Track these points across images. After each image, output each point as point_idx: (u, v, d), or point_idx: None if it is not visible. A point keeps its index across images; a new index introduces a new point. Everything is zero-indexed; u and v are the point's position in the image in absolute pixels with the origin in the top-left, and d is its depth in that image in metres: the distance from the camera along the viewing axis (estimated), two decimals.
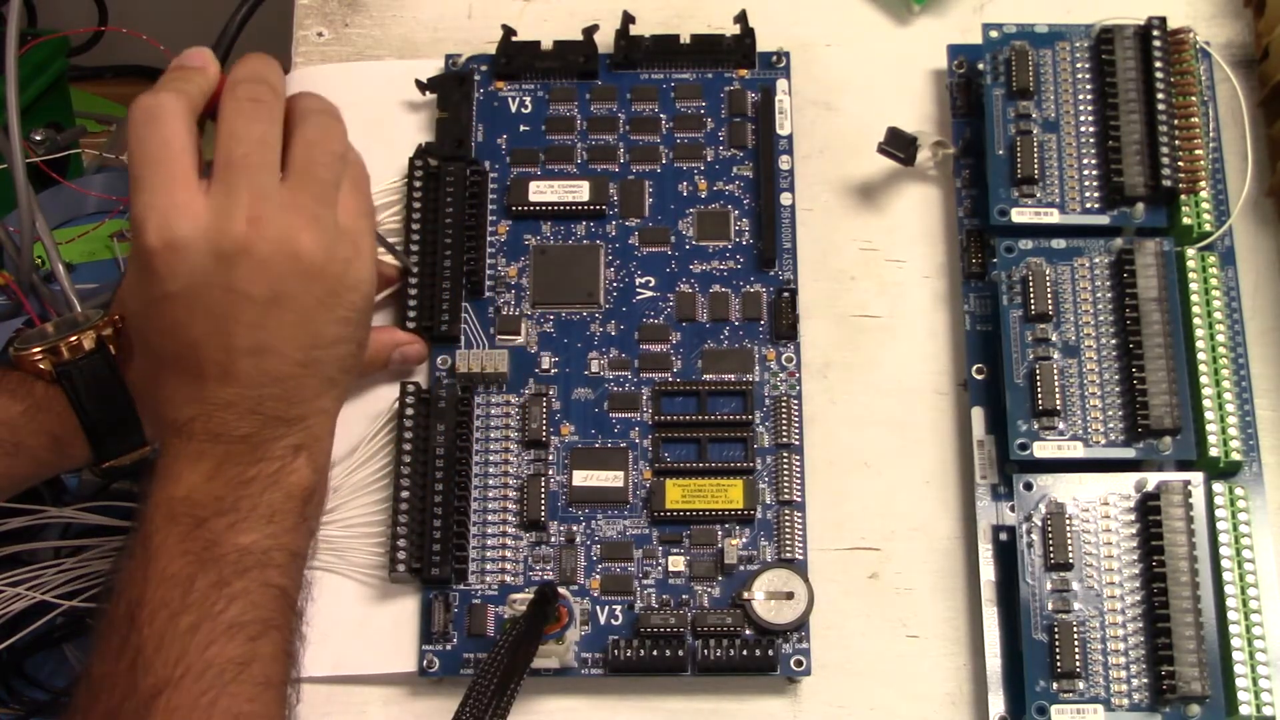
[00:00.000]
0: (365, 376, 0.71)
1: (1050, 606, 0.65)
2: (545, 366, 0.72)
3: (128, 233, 0.95)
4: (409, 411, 0.69)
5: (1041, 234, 0.71)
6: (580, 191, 0.74)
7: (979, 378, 0.71)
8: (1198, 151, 0.71)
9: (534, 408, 0.70)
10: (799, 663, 0.66)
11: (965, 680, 0.68)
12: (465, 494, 0.69)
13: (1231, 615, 0.64)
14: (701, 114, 0.76)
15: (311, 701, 0.66)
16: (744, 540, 0.68)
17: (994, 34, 0.74)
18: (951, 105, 0.76)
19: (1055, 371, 0.68)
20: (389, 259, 0.72)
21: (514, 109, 0.77)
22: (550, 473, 0.70)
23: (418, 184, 0.73)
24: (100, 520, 0.81)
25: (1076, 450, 0.67)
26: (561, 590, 0.65)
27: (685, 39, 0.77)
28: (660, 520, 0.69)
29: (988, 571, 0.68)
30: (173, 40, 1.11)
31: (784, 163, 0.75)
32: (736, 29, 0.77)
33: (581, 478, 0.69)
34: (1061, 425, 0.67)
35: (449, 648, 0.67)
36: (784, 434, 0.70)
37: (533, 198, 0.74)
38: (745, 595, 0.66)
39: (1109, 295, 0.69)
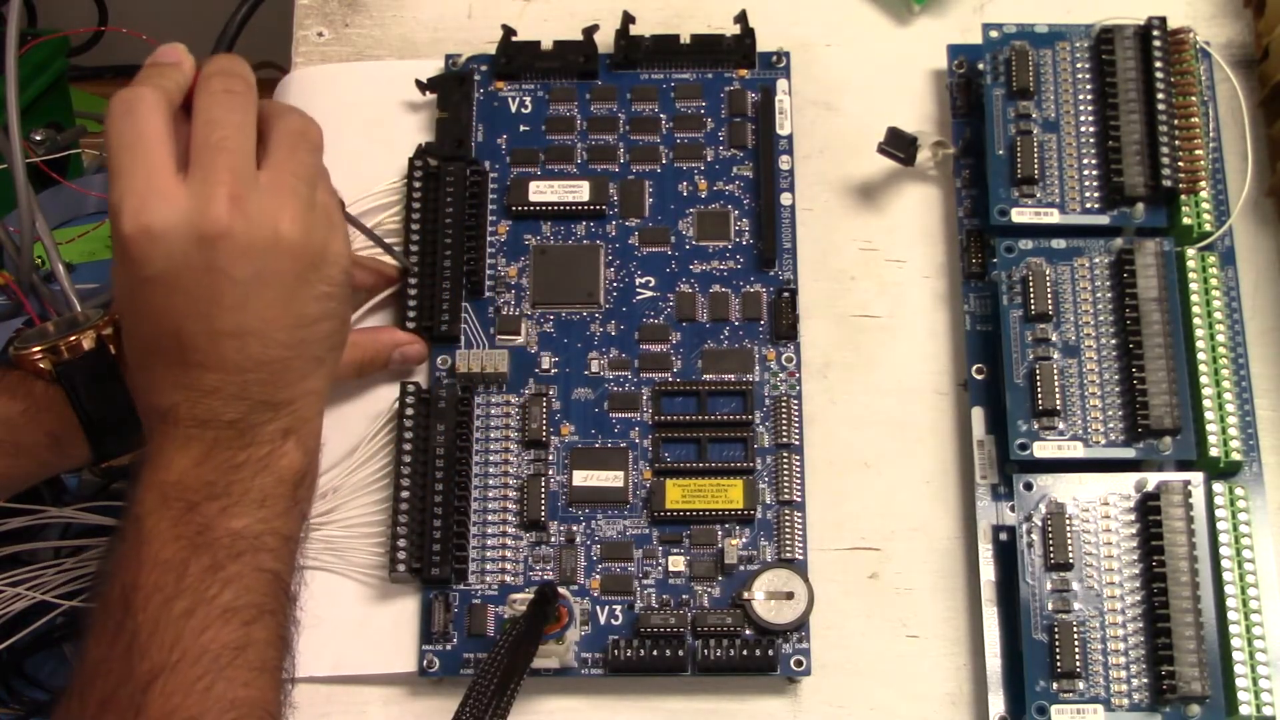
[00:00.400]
0: (365, 376, 0.71)
1: (1050, 606, 0.65)
2: (545, 366, 0.72)
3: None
4: (409, 411, 0.69)
5: (1041, 234, 0.71)
6: (580, 191, 0.74)
7: (979, 378, 0.71)
8: (1198, 151, 0.71)
9: (534, 408, 0.70)
10: (799, 663, 0.66)
11: (965, 680, 0.68)
12: (465, 494, 0.69)
13: (1231, 615, 0.64)
14: (701, 114, 0.76)
15: (311, 701, 0.67)
16: (744, 540, 0.68)
17: (994, 34, 0.74)
18: (951, 105, 0.76)
19: (1055, 371, 0.68)
20: (388, 259, 0.72)
21: (514, 109, 0.77)
22: (550, 473, 0.70)
23: (418, 184, 0.73)
24: (100, 520, 0.81)
25: (1076, 450, 0.67)
26: (561, 590, 0.65)
27: (685, 39, 0.77)
28: (660, 520, 0.69)
29: (988, 571, 0.68)
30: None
31: (784, 163, 0.75)
32: (736, 29, 0.77)
33: (581, 478, 0.69)
34: (1061, 425, 0.67)
35: (449, 648, 0.67)
36: (784, 434, 0.70)
37: (533, 198, 0.74)
38: (745, 595, 0.66)
39: (1109, 295, 0.69)
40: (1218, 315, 0.69)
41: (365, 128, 0.77)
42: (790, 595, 0.66)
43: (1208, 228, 0.71)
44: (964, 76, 0.76)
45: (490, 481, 0.70)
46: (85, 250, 0.95)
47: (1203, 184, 0.71)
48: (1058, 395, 0.67)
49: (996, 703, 0.66)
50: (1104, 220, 0.71)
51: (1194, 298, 0.69)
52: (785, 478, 0.69)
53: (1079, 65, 0.73)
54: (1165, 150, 0.70)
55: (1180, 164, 0.71)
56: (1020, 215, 0.71)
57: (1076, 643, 0.64)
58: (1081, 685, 0.64)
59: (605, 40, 0.77)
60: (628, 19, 0.77)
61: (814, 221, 0.75)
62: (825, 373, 0.73)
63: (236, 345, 0.57)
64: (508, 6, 0.81)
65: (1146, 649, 0.64)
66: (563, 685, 0.68)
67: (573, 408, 0.71)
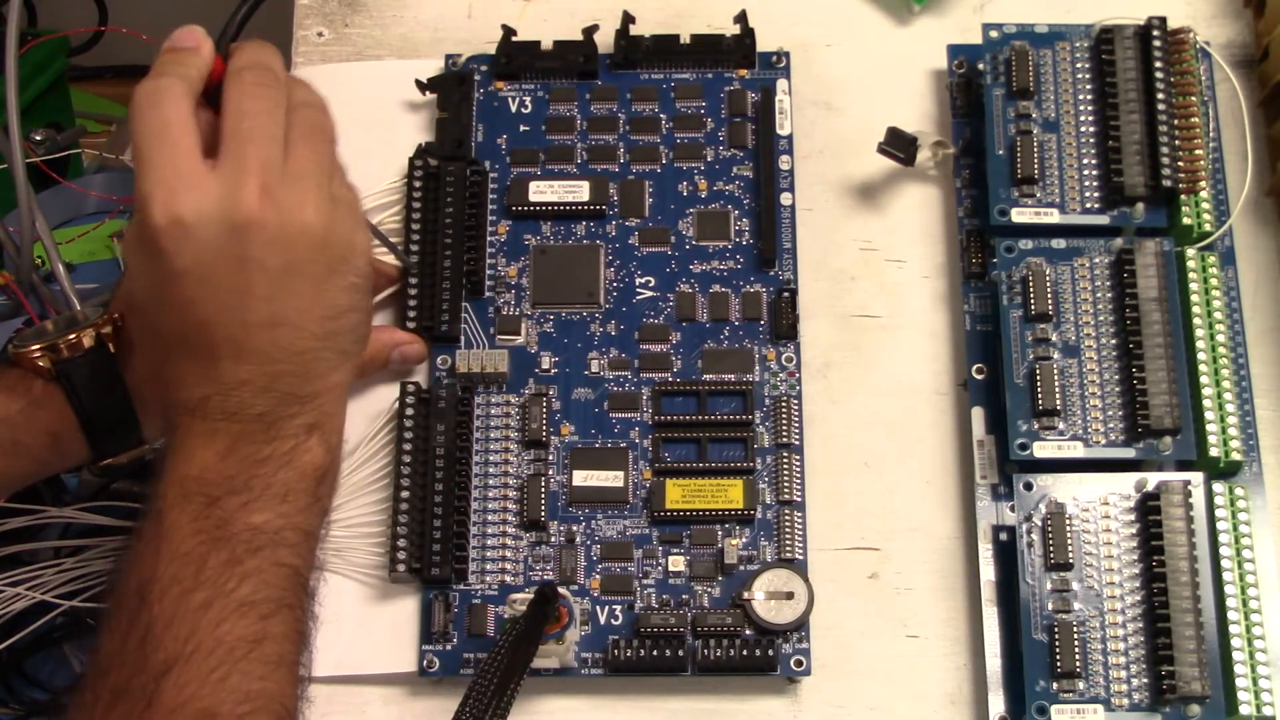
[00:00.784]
0: (365, 376, 0.71)
1: (1050, 606, 0.65)
2: (545, 366, 0.72)
3: (128, 231, 0.95)
4: (409, 411, 0.69)
5: (1041, 234, 0.71)
6: (580, 191, 0.74)
7: (979, 378, 0.71)
8: (1198, 151, 0.71)
9: (534, 408, 0.70)
10: (799, 663, 0.66)
11: (965, 680, 0.68)
12: (465, 494, 0.69)
13: (1231, 615, 0.64)
14: (701, 114, 0.76)
15: (312, 701, 0.66)
16: (744, 540, 0.68)
17: (994, 34, 0.74)
18: (951, 105, 0.76)
19: (1055, 371, 0.68)
20: (389, 258, 0.72)
21: (514, 109, 0.77)
22: (550, 473, 0.70)
23: (418, 184, 0.73)
24: (100, 520, 0.81)
25: (1076, 450, 0.67)
26: (561, 590, 0.65)
27: (685, 39, 0.77)
28: (660, 520, 0.69)
29: (988, 571, 0.68)
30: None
31: (784, 163, 0.75)
32: (736, 29, 0.77)
33: (581, 478, 0.69)
34: (1061, 425, 0.67)
35: (449, 648, 0.67)
36: (784, 434, 0.70)
37: (533, 198, 0.74)
38: (745, 595, 0.66)
39: (1109, 295, 0.69)
40: (1218, 315, 0.69)
41: (365, 128, 0.77)
42: (790, 595, 0.66)
43: (1208, 228, 0.71)
44: (964, 76, 0.76)
45: (490, 481, 0.70)
46: (85, 250, 0.95)
47: (1203, 184, 0.71)
48: (1058, 395, 0.67)
49: (996, 703, 0.66)
50: (1104, 220, 0.71)
51: (1194, 298, 0.69)
52: (785, 478, 0.69)
53: (1079, 65, 0.73)
54: (1165, 150, 0.70)
55: (1180, 164, 0.71)
56: (1020, 215, 0.71)
57: (1076, 643, 0.64)
58: (1081, 685, 0.64)
59: (605, 40, 0.77)
60: (628, 19, 0.77)
61: (814, 221, 0.75)
62: (825, 373, 0.73)
63: (269, 336, 0.57)
64: (508, 6, 0.81)
65: (1146, 649, 0.64)
66: (563, 685, 0.68)
67: (573, 408, 0.71)
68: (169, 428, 0.58)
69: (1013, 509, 0.67)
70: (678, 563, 0.68)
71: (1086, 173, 0.72)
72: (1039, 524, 0.66)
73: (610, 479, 0.69)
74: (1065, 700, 0.64)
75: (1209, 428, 0.67)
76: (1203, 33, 0.76)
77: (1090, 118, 0.72)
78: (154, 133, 0.56)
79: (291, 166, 0.57)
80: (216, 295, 0.56)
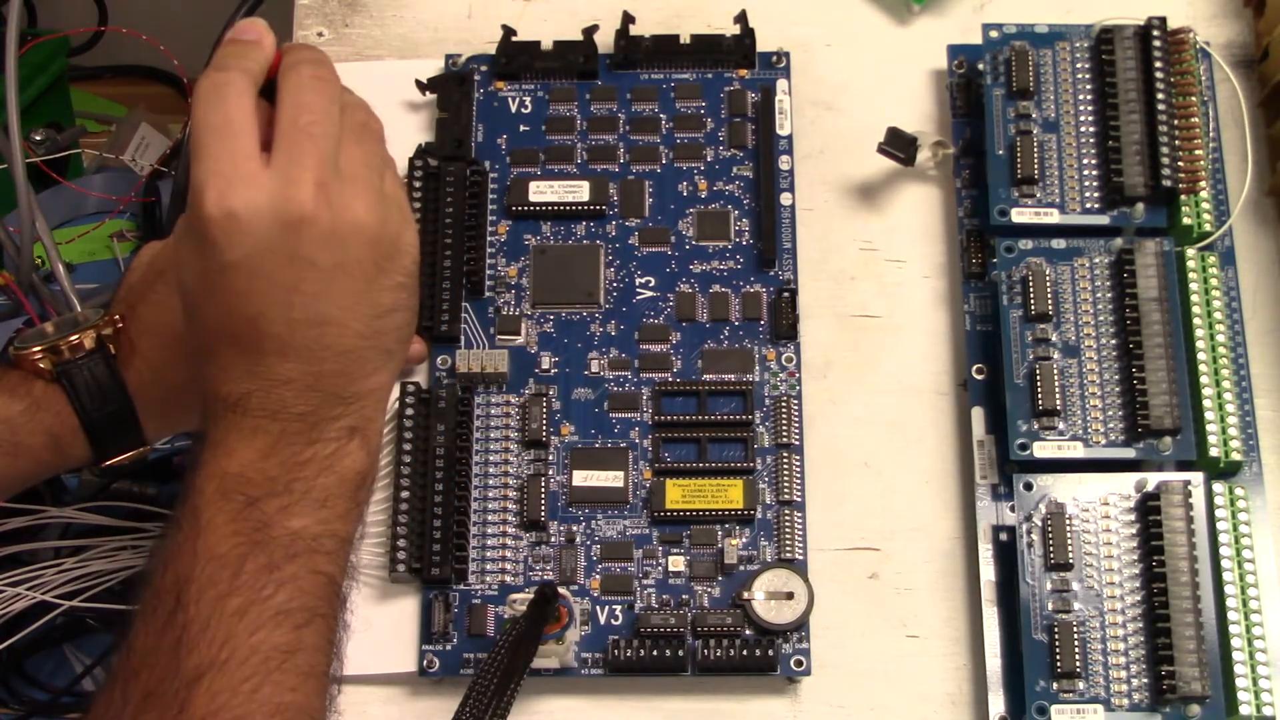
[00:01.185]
0: None
1: (1050, 606, 0.65)
2: (545, 366, 0.72)
3: (128, 232, 0.95)
4: (409, 411, 0.69)
5: (1041, 234, 0.71)
6: (580, 191, 0.74)
7: (979, 378, 0.71)
8: (1198, 151, 0.71)
9: (534, 408, 0.70)
10: (799, 663, 0.66)
11: (965, 680, 0.68)
12: (465, 494, 0.69)
13: (1231, 615, 0.64)
14: (701, 114, 0.76)
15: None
16: (744, 540, 0.68)
17: (994, 34, 0.74)
18: (951, 105, 0.76)
19: (1055, 371, 0.68)
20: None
21: (514, 109, 0.77)
22: (550, 473, 0.70)
23: (418, 184, 0.73)
24: (100, 520, 0.81)
25: (1076, 450, 0.67)
26: (561, 590, 0.65)
27: (685, 39, 0.77)
28: (660, 520, 0.69)
29: (988, 571, 0.68)
30: (173, 40, 1.12)
31: (784, 163, 0.75)
32: (736, 29, 0.77)
33: (581, 478, 0.69)
34: (1061, 425, 0.67)
35: (449, 648, 0.67)
36: (784, 434, 0.70)
37: (533, 198, 0.74)
38: (745, 595, 0.66)
39: (1109, 295, 0.69)
40: (1218, 315, 0.69)
41: None
42: (790, 595, 0.66)
43: (1208, 228, 0.71)
44: (964, 76, 0.76)
45: (490, 481, 0.70)
46: (85, 250, 0.95)
47: (1203, 184, 0.71)
48: (1058, 395, 0.67)
49: (996, 703, 0.66)
50: (1104, 220, 0.71)
51: (1194, 298, 0.69)
52: (785, 478, 0.69)
53: (1079, 65, 0.73)
54: (1165, 150, 0.70)
55: (1180, 164, 0.71)
56: (1020, 215, 0.71)
57: (1076, 643, 0.64)
58: (1081, 685, 0.64)
59: (605, 40, 0.77)
60: (628, 19, 0.77)
61: (814, 221, 0.75)
62: (825, 373, 0.73)
63: (315, 334, 0.57)
64: (508, 6, 0.81)
65: (1146, 649, 0.64)
66: (563, 685, 0.68)
67: (573, 408, 0.71)
68: (207, 421, 0.58)
69: (1013, 509, 0.67)
70: (678, 563, 0.68)
71: (1086, 173, 0.72)
72: (1039, 524, 0.66)
73: (610, 479, 0.69)
74: (1065, 700, 0.64)
75: (1209, 428, 0.67)
76: (1203, 33, 0.76)
77: (1090, 118, 0.72)
78: (215, 126, 0.56)
79: (345, 164, 0.57)
80: (265, 290, 0.56)
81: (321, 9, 0.82)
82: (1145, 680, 0.64)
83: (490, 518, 0.69)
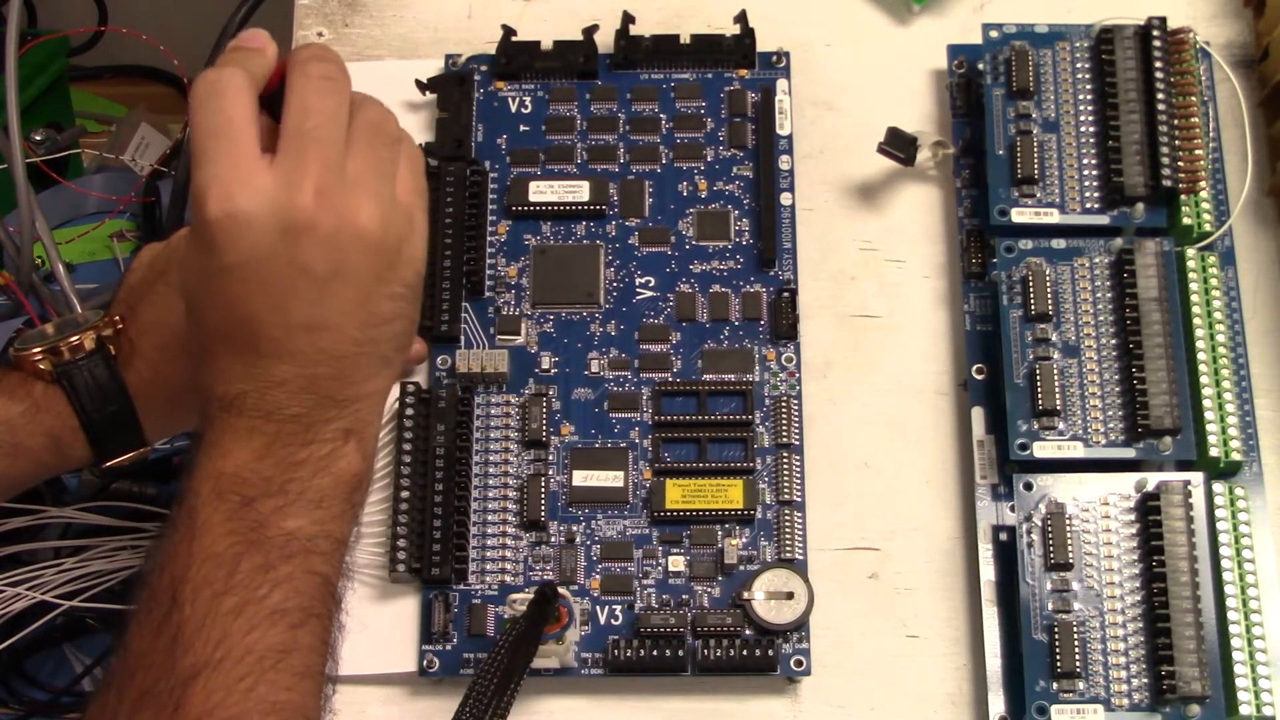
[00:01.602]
0: None
1: (1050, 606, 0.65)
2: (545, 366, 0.72)
3: (128, 232, 0.95)
4: (409, 411, 0.69)
5: (1041, 234, 0.71)
6: (580, 191, 0.74)
7: (979, 378, 0.71)
8: (1198, 151, 0.71)
9: (534, 408, 0.70)
10: (799, 663, 0.66)
11: (965, 680, 0.68)
12: (465, 494, 0.69)
13: (1231, 615, 0.64)
14: (701, 114, 0.76)
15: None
16: (744, 540, 0.68)
17: (994, 34, 0.74)
18: (951, 105, 0.76)
19: (1055, 371, 0.68)
20: None
21: (514, 109, 0.77)
22: (550, 473, 0.70)
23: None
24: (100, 520, 0.81)
25: (1076, 450, 0.67)
26: (561, 590, 0.65)
27: (685, 39, 0.77)
28: (660, 520, 0.69)
29: (988, 571, 0.68)
30: (173, 40, 1.12)
31: (784, 163, 0.75)
32: (736, 29, 0.77)
33: (581, 478, 0.69)
34: (1061, 425, 0.67)
35: (449, 648, 0.67)
36: (784, 434, 0.70)
37: (533, 198, 0.74)
38: (745, 595, 0.66)
39: (1109, 295, 0.69)
40: (1218, 315, 0.69)
41: None
42: (790, 595, 0.66)
43: (1208, 228, 0.71)
44: (964, 76, 0.76)
45: (490, 481, 0.70)
46: (85, 250, 0.95)
47: (1203, 184, 0.71)
48: (1058, 395, 0.67)
49: (996, 703, 0.66)
50: (1104, 220, 0.71)
51: (1194, 298, 0.69)
52: (785, 478, 0.69)
53: (1079, 65, 0.73)
54: (1165, 150, 0.70)
55: (1180, 164, 0.71)
56: (1020, 215, 0.71)
57: (1076, 643, 0.64)
58: (1081, 685, 0.64)
59: (605, 40, 0.77)
60: (628, 19, 0.77)
61: (814, 221, 0.75)
62: (825, 373, 0.73)
63: (310, 338, 0.56)
64: (508, 6, 0.81)
65: (1146, 649, 0.64)
66: (563, 685, 0.68)
67: (573, 408, 0.71)
68: (204, 421, 0.58)
69: (1013, 509, 0.67)
70: (678, 563, 0.68)
71: (1086, 173, 0.72)
72: (1039, 524, 0.66)
73: (610, 479, 0.69)
74: (1065, 700, 0.64)
75: (1209, 428, 0.67)
76: (1203, 33, 0.76)
77: (1090, 118, 0.72)
78: (215, 125, 0.55)
79: (350, 170, 0.57)
80: (262, 293, 0.56)
81: (321, 9, 0.82)
82: (1145, 680, 0.64)
83: (490, 518, 0.69)
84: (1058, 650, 0.64)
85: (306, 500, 0.56)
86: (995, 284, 0.70)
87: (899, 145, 0.74)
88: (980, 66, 0.74)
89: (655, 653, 0.65)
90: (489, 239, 0.74)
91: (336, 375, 0.57)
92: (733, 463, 0.69)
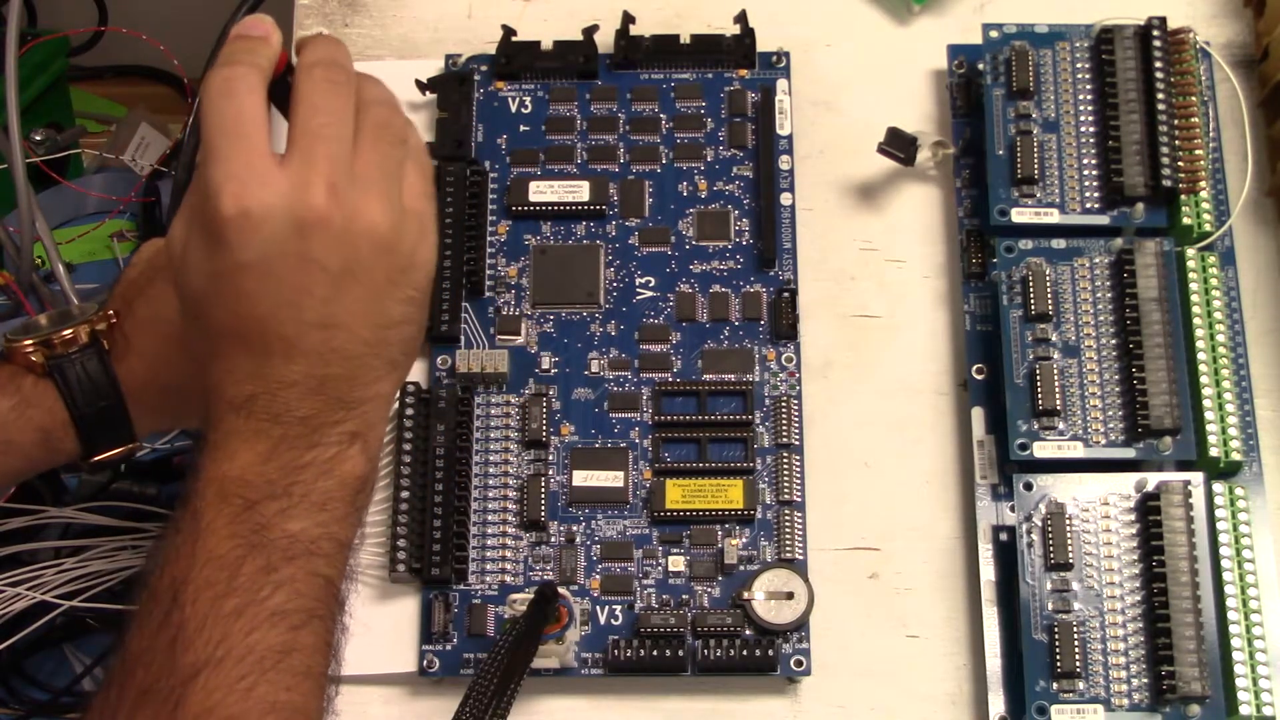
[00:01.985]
0: None
1: (1050, 606, 0.65)
2: (545, 366, 0.72)
3: (128, 232, 0.95)
4: (409, 411, 0.69)
5: (1041, 234, 0.71)
6: (580, 191, 0.74)
7: (979, 378, 0.71)
8: (1198, 151, 0.71)
9: (534, 408, 0.70)
10: (799, 663, 0.66)
11: (965, 680, 0.68)
12: (465, 494, 0.69)
13: (1231, 615, 0.64)
14: (701, 114, 0.76)
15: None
16: (744, 540, 0.68)
17: (994, 34, 0.74)
18: (951, 105, 0.76)
19: (1055, 371, 0.68)
20: None
21: (514, 109, 0.77)
22: (550, 473, 0.70)
23: None
24: (100, 520, 0.81)
25: (1076, 450, 0.67)
26: (561, 590, 0.65)
27: (685, 39, 0.77)
28: (660, 520, 0.69)
29: (988, 571, 0.68)
30: (173, 40, 1.12)
31: (784, 163, 0.75)
32: (736, 29, 0.77)
33: (581, 478, 0.69)
34: (1061, 425, 0.67)
35: (449, 648, 0.67)
36: (784, 434, 0.70)
37: (533, 198, 0.74)
38: (745, 595, 0.66)
39: (1109, 295, 0.69)
40: (1218, 315, 0.69)
41: None
42: (790, 595, 0.66)
43: (1208, 228, 0.71)
44: (964, 76, 0.76)
45: (490, 481, 0.70)
46: (85, 250, 0.95)
47: (1203, 184, 0.71)
48: (1058, 395, 0.67)
49: (996, 703, 0.66)
50: (1104, 220, 0.71)
51: (1194, 298, 0.69)
52: (785, 478, 0.69)
53: (1079, 65, 0.73)
54: (1165, 150, 0.70)
55: (1180, 164, 0.71)
56: (1020, 215, 0.71)
57: (1076, 643, 0.64)
58: (1081, 685, 0.64)
59: (605, 40, 0.77)
60: (628, 19, 0.77)
61: (814, 221, 0.75)
62: (825, 373, 0.73)
63: (323, 337, 0.56)
64: (508, 6, 0.81)
65: (1146, 649, 0.64)
66: (563, 685, 0.68)
67: (573, 408, 0.71)
68: (208, 423, 0.58)
69: (1013, 509, 0.67)
70: (678, 563, 0.68)
71: (1086, 173, 0.72)
72: (1039, 524, 0.66)
73: (610, 479, 0.69)
74: (1065, 700, 0.64)
75: (1209, 428, 0.67)
76: (1203, 33, 0.76)
77: (1090, 118, 0.72)
78: (227, 124, 0.55)
79: (359, 168, 0.57)
80: (275, 291, 0.56)
81: (321, 9, 0.82)
82: (1145, 680, 0.64)
83: (490, 518, 0.69)
84: (1058, 650, 0.64)
85: (310, 503, 0.56)
86: (995, 284, 0.70)
87: (899, 145, 0.74)
88: (980, 66, 0.74)
89: (655, 653, 0.65)
90: (489, 239, 0.74)
91: (346, 376, 0.57)
92: (733, 463, 0.69)
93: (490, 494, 0.70)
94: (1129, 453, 0.67)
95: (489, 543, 0.69)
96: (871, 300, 0.74)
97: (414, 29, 0.81)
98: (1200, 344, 0.68)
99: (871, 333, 0.74)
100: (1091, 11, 0.75)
